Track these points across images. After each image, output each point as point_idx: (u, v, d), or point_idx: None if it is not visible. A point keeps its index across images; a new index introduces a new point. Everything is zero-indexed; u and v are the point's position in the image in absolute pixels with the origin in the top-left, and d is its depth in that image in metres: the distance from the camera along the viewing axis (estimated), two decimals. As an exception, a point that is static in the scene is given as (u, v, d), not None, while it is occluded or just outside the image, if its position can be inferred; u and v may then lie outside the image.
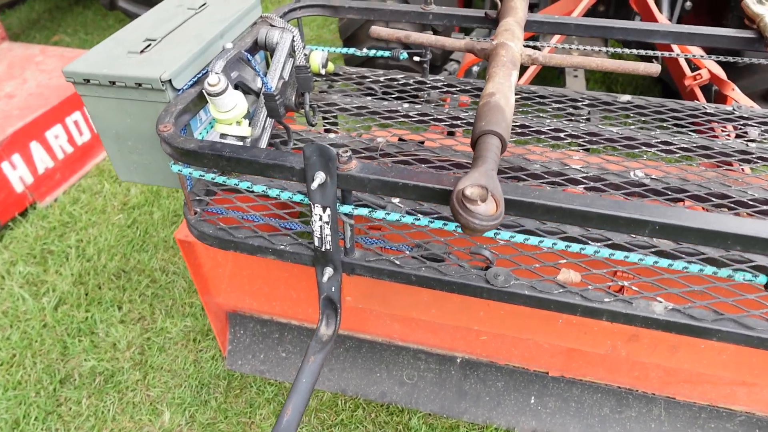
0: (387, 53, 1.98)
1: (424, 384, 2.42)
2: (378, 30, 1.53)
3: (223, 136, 1.47)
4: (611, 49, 2.68)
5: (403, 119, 1.79)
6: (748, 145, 1.65)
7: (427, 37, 1.51)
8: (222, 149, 1.20)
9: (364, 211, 1.20)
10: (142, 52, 1.45)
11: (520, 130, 1.71)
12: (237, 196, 1.52)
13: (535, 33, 1.80)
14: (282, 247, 1.35)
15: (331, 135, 1.71)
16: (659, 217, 1.01)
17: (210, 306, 2.44)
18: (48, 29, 5.69)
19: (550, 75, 4.25)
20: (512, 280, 1.24)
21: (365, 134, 1.74)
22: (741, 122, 1.75)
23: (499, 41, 1.44)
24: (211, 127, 1.53)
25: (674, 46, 2.18)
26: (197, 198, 1.47)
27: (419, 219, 1.18)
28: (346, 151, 1.13)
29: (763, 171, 1.55)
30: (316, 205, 1.18)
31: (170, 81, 1.36)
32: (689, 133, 1.70)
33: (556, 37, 2.36)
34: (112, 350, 2.72)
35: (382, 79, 1.97)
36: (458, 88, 1.93)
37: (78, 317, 2.87)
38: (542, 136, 1.69)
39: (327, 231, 1.22)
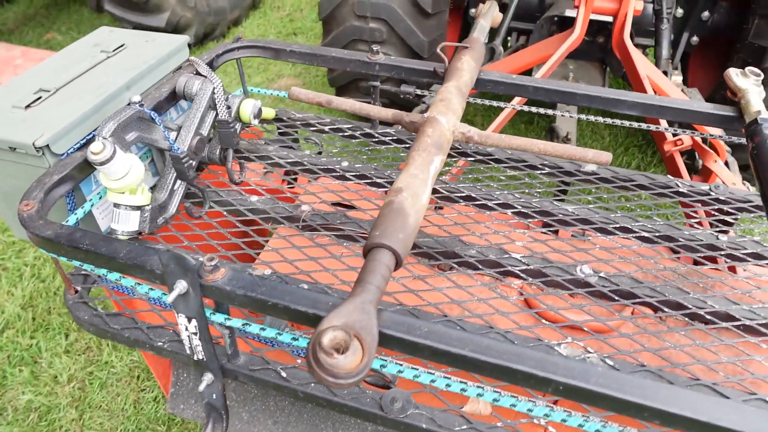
0: (333, 101, 1.81)
1: (372, 447, 2.26)
2: (297, 92, 1.36)
3: (116, 205, 1.31)
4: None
5: (339, 180, 1.62)
6: (718, 238, 1.45)
7: (350, 104, 1.33)
8: (81, 240, 1.04)
9: (237, 323, 1.03)
10: (27, 107, 1.29)
11: (464, 203, 1.53)
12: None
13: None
14: (160, 344, 1.19)
15: (254, 198, 1.55)
16: (565, 377, 0.83)
17: (148, 349, 2.29)
18: (42, 26, 5.60)
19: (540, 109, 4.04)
20: (410, 409, 1.07)
21: (290, 198, 1.57)
22: (716, 206, 1.55)
23: (430, 114, 1.26)
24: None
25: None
26: (82, 273, 1.32)
27: (298, 339, 1.00)
28: (212, 259, 0.96)
29: (728, 274, 1.35)
30: (179, 314, 1.01)
31: (47, 146, 1.21)
32: (654, 217, 1.51)
33: (517, 99, 2.15)
34: (52, 383, 2.59)
35: (327, 128, 1.80)
36: (407, 145, 1.75)
37: (23, 344, 2.74)
38: (488, 212, 1.50)
39: (196, 341, 1.06)
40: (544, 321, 1.24)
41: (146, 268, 0.99)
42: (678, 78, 3.18)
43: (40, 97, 1.32)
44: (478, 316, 1.24)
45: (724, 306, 1.27)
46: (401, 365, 0.97)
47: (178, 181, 1.46)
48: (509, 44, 3.72)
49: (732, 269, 1.39)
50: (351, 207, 1.55)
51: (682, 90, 2.76)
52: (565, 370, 0.84)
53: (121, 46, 1.55)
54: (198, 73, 1.55)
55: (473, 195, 1.56)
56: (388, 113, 1.31)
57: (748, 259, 1.39)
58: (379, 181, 1.61)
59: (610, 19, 2.96)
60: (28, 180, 1.30)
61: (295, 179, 1.81)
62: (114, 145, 1.22)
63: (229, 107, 1.53)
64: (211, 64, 1.66)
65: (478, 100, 1.70)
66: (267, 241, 1.44)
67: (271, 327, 1.02)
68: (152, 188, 1.48)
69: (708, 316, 1.25)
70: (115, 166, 1.22)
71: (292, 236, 1.43)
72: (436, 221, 1.51)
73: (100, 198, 1.36)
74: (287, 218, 1.50)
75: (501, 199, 1.55)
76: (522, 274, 1.35)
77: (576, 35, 2.22)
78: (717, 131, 2.00)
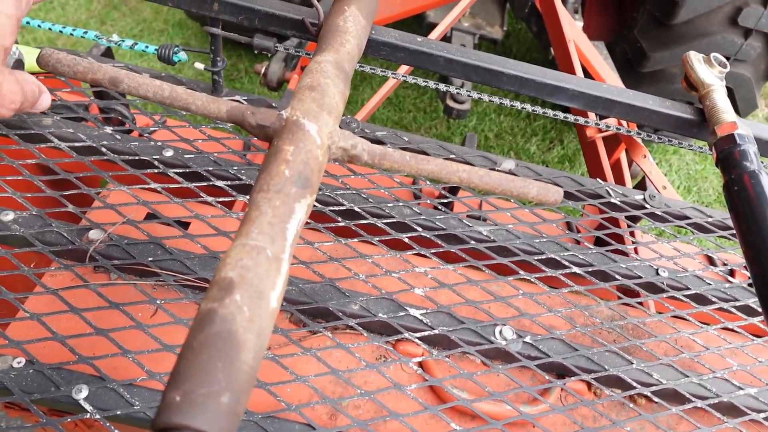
0: (152, 49, 1.21)
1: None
2: (53, 57, 0.77)
3: None
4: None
5: (157, 183, 1.07)
6: (657, 273, 1.16)
7: (155, 88, 0.77)
8: None
9: None
10: None
11: (342, 222, 1.08)
12: None
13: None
14: None
15: (8, 214, 0.96)
16: None
17: None
18: None
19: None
20: None
21: (74, 215, 1.01)
22: (652, 224, 1.26)
23: (290, 115, 0.76)
24: None
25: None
26: None
27: None
28: None
29: (675, 330, 1.07)
30: None
31: None
32: (585, 242, 1.18)
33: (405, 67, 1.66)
34: None
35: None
36: (265, 123, 1.22)
37: None
38: (376, 239, 1.06)
39: None
40: (454, 426, 0.87)
41: None
42: (579, 24, 2.88)
43: None
44: (361, 425, 0.84)
45: (670, 378, 1.00)
46: None
47: None
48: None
49: (676, 317, 1.12)
50: (175, 234, 1.02)
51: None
52: None
53: None
54: None
55: (356, 210, 1.11)
56: (221, 109, 0.78)
57: (692, 303, 1.12)
58: (220, 184, 1.09)
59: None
60: None
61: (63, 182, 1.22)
62: None
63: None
64: None
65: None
66: (23, 301, 0.89)
67: None
68: None
69: (653, 397, 0.97)
70: None
71: (68, 289, 0.89)
72: (301, 254, 1.05)
73: None
74: (66, 254, 0.95)
75: (395, 216, 1.12)
76: (423, 344, 0.95)
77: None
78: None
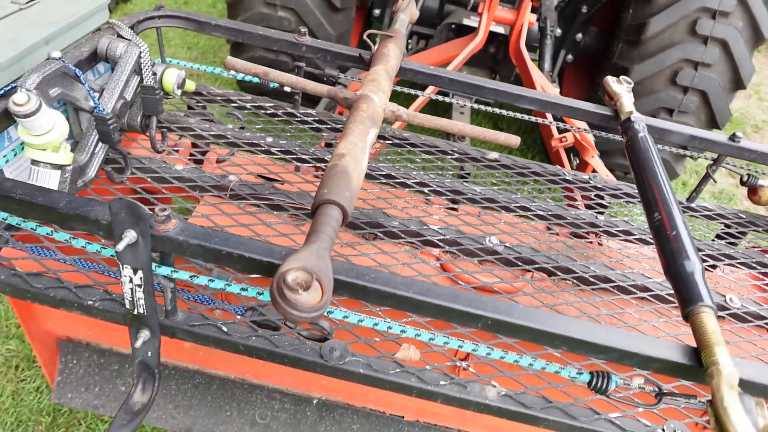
0: (256, 78, 1.84)
1: (278, 425, 2.28)
2: (233, 62, 1.39)
3: (34, 162, 1.25)
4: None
5: (264, 155, 1.65)
6: (597, 218, 1.71)
7: (287, 77, 1.39)
8: (12, 189, 1.00)
9: (184, 276, 1.05)
10: (-67, 52, 1.19)
11: (385, 180, 1.65)
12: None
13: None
14: (90, 302, 1.16)
15: (179, 166, 1.54)
16: (492, 313, 0.97)
17: (35, 333, 2.13)
18: None
19: (441, 106, 4.31)
20: (348, 356, 1.15)
21: (216, 168, 1.58)
22: (594, 192, 1.82)
23: (363, 92, 1.36)
24: (22, 148, 1.30)
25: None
26: (-7, 233, 1.24)
27: (247, 289, 1.05)
28: (164, 210, 0.98)
29: (607, 247, 1.61)
30: (125, 266, 1.01)
31: (-37, 94, 1.13)
32: (547, 199, 1.74)
33: (431, 87, 2.33)
34: None
35: (248, 105, 1.82)
36: (329, 126, 1.83)
37: None
38: (406, 189, 1.63)
39: (139, 294, 1.06)
40: (460, 282, 1.39)
41: (90, 218, 0.98)
42: (556, 90, 3.58)
43: (-54, 43, 1.22)
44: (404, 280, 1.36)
45: (603, 271, 1.52)
46: (346, 312, 1.06)
47: (99, 144, 1.41)
48: (410, 47, 3.94)
49: (608, 242, 1.66)
50: (277, 181, 1.60)
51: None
52: (493, 308, 0.98)
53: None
54: (119, 36, 1.51)
55: (393, 174, 1.68)
56: (323, 89, 1.38)
57: (620, 234, 1.66)
58: (304, 157, 1.67)
59: (503, 30, 3.26)
60: (-70, 131, 1.20)
61: (206, 152, 1.82)
62: (39, 98, 1.17)
63: (154, 74, 1.51)
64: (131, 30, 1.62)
65: (397, 87, 1.83)
66: (194, 208, 1.44)
67: (219, 279, 1.06)
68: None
69: (591, 279, 1.48)
70: (40, 120, 1.17)
71: (221, 204, 1.45)
72: (359, 195, 1.61)
73: (15, 155, 1.28)
74: (214, 187, 1.52)
75: (418, 179, 1.69)
76: (439, 243, 1.49)
77: (479, 39, 2.46)
78: (589, 134, 2.32)
